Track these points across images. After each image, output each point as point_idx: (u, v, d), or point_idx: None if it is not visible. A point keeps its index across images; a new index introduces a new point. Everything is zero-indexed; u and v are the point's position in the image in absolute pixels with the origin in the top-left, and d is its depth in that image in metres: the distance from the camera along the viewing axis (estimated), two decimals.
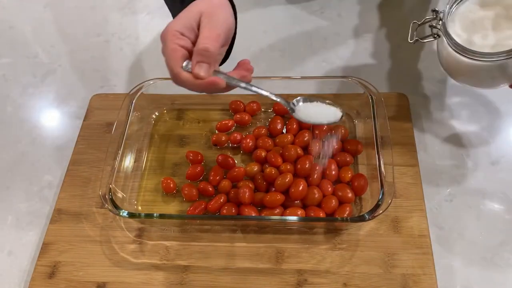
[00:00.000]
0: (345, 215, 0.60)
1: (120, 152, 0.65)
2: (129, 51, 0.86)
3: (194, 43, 0.51)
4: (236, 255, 0.61)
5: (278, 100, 0.57)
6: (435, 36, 0.59)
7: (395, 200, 0.62)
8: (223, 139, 0.70)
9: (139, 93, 0.70)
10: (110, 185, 0.61)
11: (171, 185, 0.66)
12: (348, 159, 0.66)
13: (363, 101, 0.68)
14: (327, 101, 0.59)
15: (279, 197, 0.62)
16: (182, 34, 0.51)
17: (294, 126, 0.70)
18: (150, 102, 0.73)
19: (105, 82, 0.82)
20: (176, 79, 0.51)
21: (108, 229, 0.64)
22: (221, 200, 0.63)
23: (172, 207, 0.65)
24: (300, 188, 0.61)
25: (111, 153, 0.65)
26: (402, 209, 0.62)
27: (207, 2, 0.52)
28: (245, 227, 0.63)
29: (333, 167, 0.65)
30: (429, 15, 0.59)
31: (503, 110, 0.71)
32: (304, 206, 0.62)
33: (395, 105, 0.72)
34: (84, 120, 0.75)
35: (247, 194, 0.62)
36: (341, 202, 0.62)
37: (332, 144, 0.66)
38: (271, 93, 0.56)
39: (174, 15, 0.58)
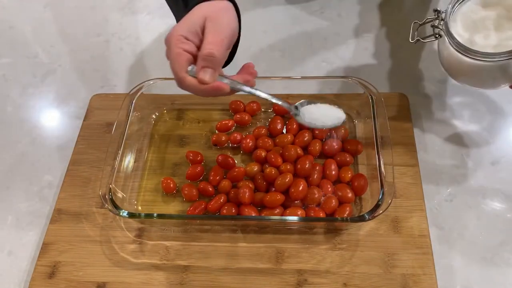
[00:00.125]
0: (345, 215, 0.60)
1: (120, 152, 0.65)
2: (129, 51, 0.86)
3: (198, 47, 0.52)
4: (236, 255, 0.61)
5: (281, 103, 0.57)
6: (437, 36, 0.58)
7: (395, 200, 0.62)
8: (223, 139, 0.70)
9: (139, 93, 0.70)
10: (110, 185, 0.61)
11: (171, 185, 0.66)
12: (348, 159, 0.66)
13: (363, 101, 0.68)
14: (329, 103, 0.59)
15: (279, 197, 0.62)
16: (187, 39, 0.51)
17: (294, 126, 0.70)
18: (150, 102, 0.73)
19: (105, 82, 0.82)
20: (181, 83, 0.51)
21: (108, 229, 0.64)
22: (221, 200, 0.63)
23: (172, 207, 0.65)
24: (300, 188, 0.61)
25: (111, 153, 0.65)
26: (402, 209, 0.62)
27: (211, 6, 0.53)
28: (245, 227, 0.63)
29: (333, 167, 0.65)
30: (430, 15, 0.59)
31: (503, 110, 0.71)
32: (304, 206, 0.62)
33: (395, 105, 0.72)
34: (84, 120, 0.75)
35: (247, 194, 0.62)
36: (341, 202, 0.62)
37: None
38: (274, 97, 0.56)
39: (178, 17, 0.58)
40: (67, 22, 0.93)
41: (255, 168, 0.66)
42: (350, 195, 0.62)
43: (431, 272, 0.57)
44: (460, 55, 0.55)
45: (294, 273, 0.59)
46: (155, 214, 0.61)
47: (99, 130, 0.74)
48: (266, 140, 0.68)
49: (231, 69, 0.57)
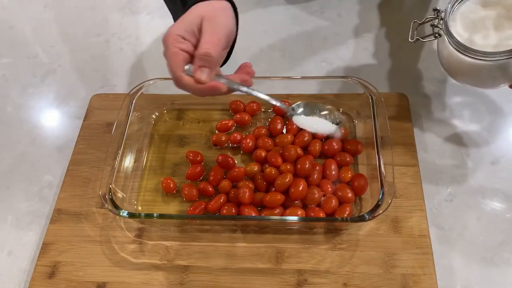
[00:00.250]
0: (345, 215, 0.60)
1: (120, 152, 0.65)
2: (129, 51, 0.86)
3: (195, 46, 0.52)
4: (236, 255, 0.61)
5: (278, 104, 0.58)
6: (436, 35, 0.58)
7: (395, 200, 0.62)
8: (223, 139, 0.70)
9: (139, 93, 0.70)
10: (110, 185, 0.61)
11: (171, 185, 0.66)
12: (348, 159, 0.66)
13: (363, 101, 0.68)
14: (324, 111, 0.61)
15: (279, 197, 0.62)
16: (184, 38, 0.51)
17: (294, 126, 0.69)
18: (150, 102, 0.73)
19: (105, 82, 0.82)
20: (178, 83, 0.52)
21: (108, 229, 0.64)
22: (221, 200, 0.63)
23: (172, 207, 0.65)
24: (300, 188, 0.61)
25: (111, 153, 0.65)
26: (402, 209, 0.62)
27: (209, 6, 0.53)
28: (245, 227, 0.63)
29: (333, 167, 0.65)
30: (429, 15, 0.59)
31: (503, 110, 0.71)
32: (304, 206, 0.62)
33: (395, 105, 0.72)
34: (84, 120, 0.75)
35: (247, 194, 0.62)
36: (341, 202, 0.62)
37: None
38: (271, 97, 0.56)
39: (176, 17, 0.58)
40: (67, 22, 0.93)
41: (255, 168, 0.66)
42: (350, 195, 0.62)
43: (431, 272, 0.57)
44: (459, 54, 0.55)
45: (294, 273, 0.59)
46: (155, 214, 0.61)
47: (99, 130, 0.74)
48: (266, 140, 0.68)
49: (230, 69, 0.57)
